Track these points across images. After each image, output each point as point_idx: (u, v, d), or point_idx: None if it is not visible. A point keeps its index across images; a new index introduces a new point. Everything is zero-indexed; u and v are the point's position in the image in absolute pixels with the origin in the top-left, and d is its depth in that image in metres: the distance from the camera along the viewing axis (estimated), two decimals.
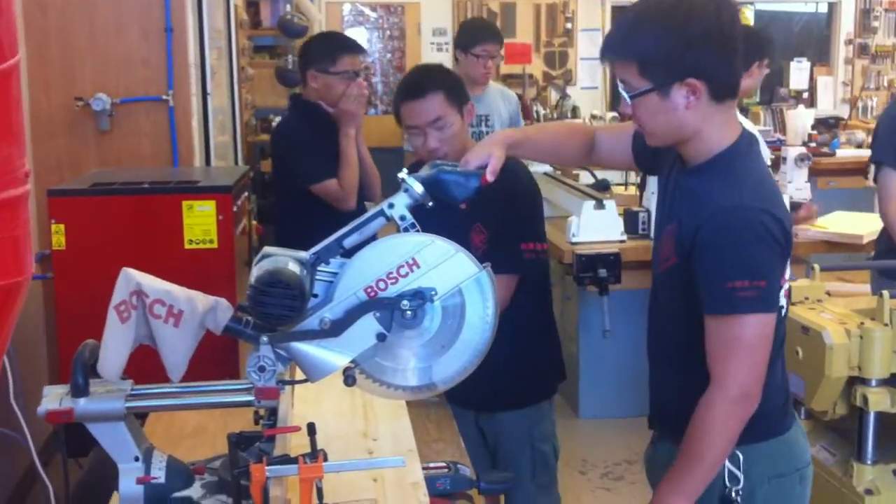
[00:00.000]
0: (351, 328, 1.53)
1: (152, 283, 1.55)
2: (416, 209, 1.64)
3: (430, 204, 1.64)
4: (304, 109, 3.47)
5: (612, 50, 1.80)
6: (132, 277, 1.54)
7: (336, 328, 1.53)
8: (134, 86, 3.89)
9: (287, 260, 1.54)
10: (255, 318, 1.56)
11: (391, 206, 1.61)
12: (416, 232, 1.57)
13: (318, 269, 1.57)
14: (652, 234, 4.11)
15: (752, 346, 1.73)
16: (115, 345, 1.54)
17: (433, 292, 1.52)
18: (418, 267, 1.52)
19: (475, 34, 4.56)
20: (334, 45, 3.47)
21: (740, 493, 1.82)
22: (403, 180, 1.63)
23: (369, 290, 1.52)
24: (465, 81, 4.20)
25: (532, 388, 2.67)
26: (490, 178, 1.80)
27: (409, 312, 1.51)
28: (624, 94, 1.79)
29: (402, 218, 1.59)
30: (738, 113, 1.95)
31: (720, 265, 1.72)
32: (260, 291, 1.50)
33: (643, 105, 1.77)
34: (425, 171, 1.70)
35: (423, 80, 2.51)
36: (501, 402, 2.62)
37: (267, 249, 1.59)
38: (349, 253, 1.58)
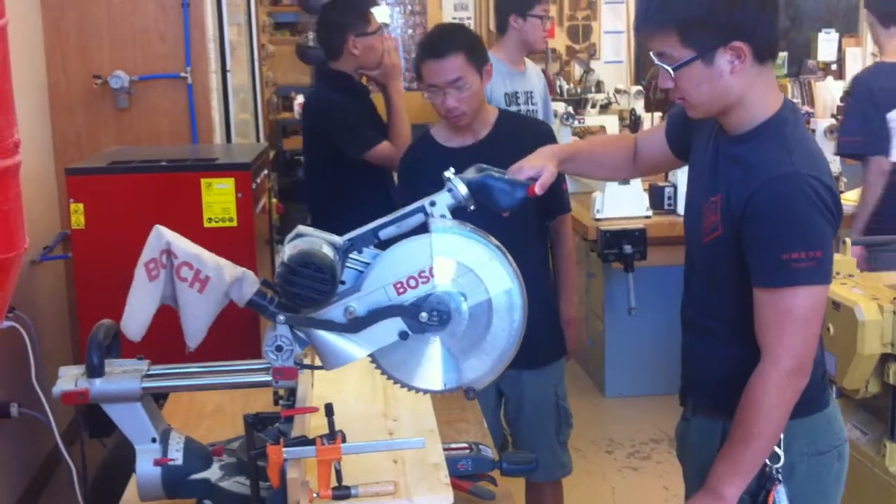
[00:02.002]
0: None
1: (182, 245, 1.53)
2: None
3: (472, 208, 1.63)
4: (338, 80, 3.41)
5: (650, 20, 1.74)
6: (163, 235, 1.53)
7: (356, 325, 1.51)
8: (151, 62, 3.87)
9: (321, 242, 1.52)
10: (282, 297, 1.53)
11: (433, 203, 1.59)
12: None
13: (350, 256, 1.55)
14: (678, 210, 4.11)
15: (807, 319, 1.69)
16: (141, 302, 1.53)
17: (462, 297, 1.51)
18: (452, 270, 1.50)
19: None
20: (363, 6, 3.43)
21: (780, 470, 1.78)
22: (449, 179, 1.62)
23: (399, 285, 1.50)
24: (520, 51, 4.12)
25: (553, 345, 2.77)
26: (539, 191, 1.79)
27: (434, 319, 1.50)
28: (666, 67, 1.72)
29: (443, 217, 1.58)
30: None
31: (775, 235, 1.67)
32: (291, 270, 1.48)
33: (686, 76, 1.71)
34: (471, 173, 1.68)
35: (444, 40, 2.54)
36: (529, 359, 2.63)
37: (301, 228, 1.58)
38: (383, 244, 1.56)
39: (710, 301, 1.87)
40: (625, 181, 4.12)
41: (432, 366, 1.55)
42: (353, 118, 3.32)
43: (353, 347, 1.52)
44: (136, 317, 1.53)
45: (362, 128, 3.31)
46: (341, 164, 3.30)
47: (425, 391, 1.59)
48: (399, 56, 3.45)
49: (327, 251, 1.50)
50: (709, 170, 1.82)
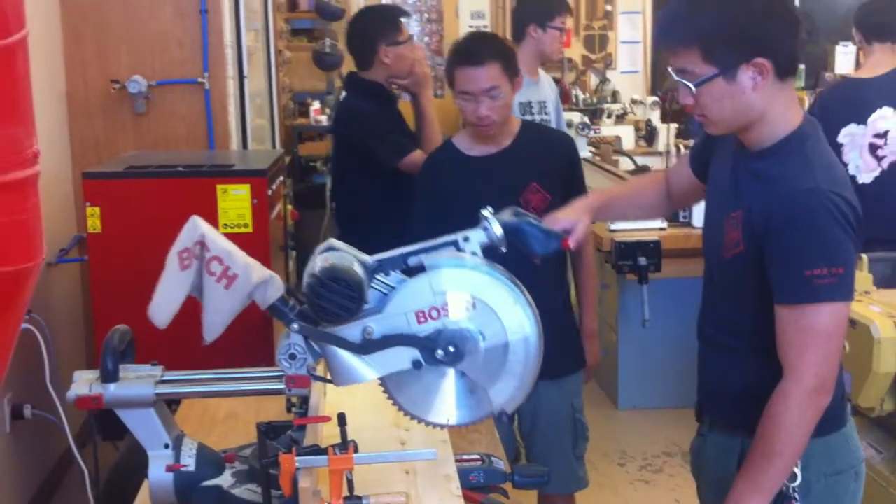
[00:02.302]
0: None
1: (216, 239, 1.54)
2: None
3: (504, 250, 1.63)
4: (368, 89, 3.39)
5: (671, 35, 1.73)
6: (198, 226, 1.54)
7: (368, 348, 1.51)
8: (169, 68, 3.88)
9: (353, 259, 1.53)
10: (304, 307, 1.54)
11: (466, 239, 1.60)
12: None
13: (377, 277, 1.55)
14: (694, 222, 4.09)
15: (829, 336, 1.68)
16: (171, 290, 1.53)
17: (481, 336, 1.51)
18: (474, 307, 1.51)
19: (554, 4, 4.05)
20: (395, 15, 3.43)
21: (797, 490, 1.76)
22: (486, 218, 1.63)
23: (420, 314, 1.51)
24: (535, 61, 4.13)
25: (570, 357, 2.74)
26: (573, 245, 1.82)
27: (449, 357, 1.50)
28: (687, 84, 1.71)
29: (474, 254, 1.58)
30: None
31: (797, 251, 1.66)
32: (321, 283, 1.48)
33: (707, 92, 1.70)
34: (507, 215, 1.68)
35: (482, 48, 2.53)
36: (545, 370, 2.64)
37: (332, 242, 1.58)
38: (410, 271, 1.57)
39: (730, 316, 1.86)
40: None
41: (446, 399, 1.55)
42: (385, 126, 3.31)
43: (365, 368, 1.53)
44: (165, 306, 1.53)
45: (395, 135, 3.30)
46: (371, 173, 3.29)
47: (436, 425, 1.59)
48: (426, 65, 3.44)
49: (357, 269, 1.51)
50: (729, 185, 1.81)
